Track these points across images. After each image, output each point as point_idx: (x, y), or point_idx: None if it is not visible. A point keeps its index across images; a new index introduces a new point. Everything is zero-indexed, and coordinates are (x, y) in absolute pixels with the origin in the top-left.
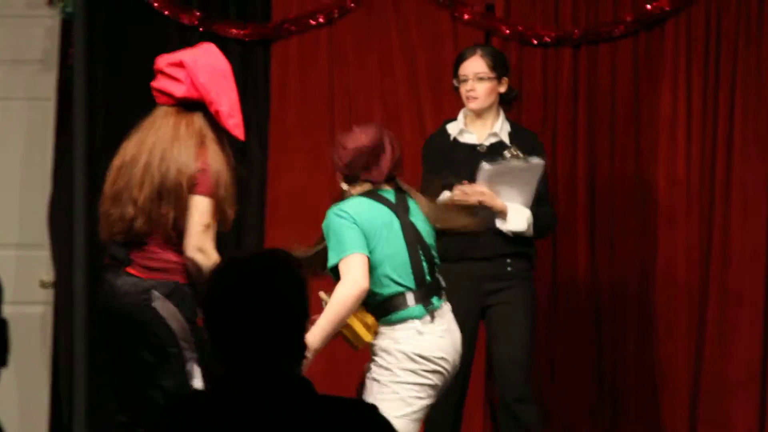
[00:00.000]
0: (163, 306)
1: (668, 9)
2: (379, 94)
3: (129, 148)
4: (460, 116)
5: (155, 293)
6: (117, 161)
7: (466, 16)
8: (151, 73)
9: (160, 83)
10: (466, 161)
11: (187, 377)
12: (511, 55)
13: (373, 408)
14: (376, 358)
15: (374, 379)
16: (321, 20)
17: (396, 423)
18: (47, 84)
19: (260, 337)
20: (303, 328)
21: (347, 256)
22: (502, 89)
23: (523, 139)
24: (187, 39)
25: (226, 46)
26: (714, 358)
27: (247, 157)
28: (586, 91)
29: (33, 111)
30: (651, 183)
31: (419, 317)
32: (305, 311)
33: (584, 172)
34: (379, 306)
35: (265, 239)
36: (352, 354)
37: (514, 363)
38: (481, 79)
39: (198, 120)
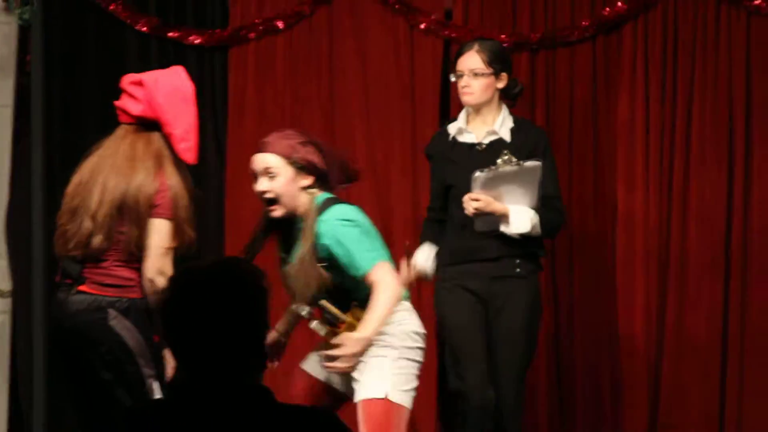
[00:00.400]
0: (119, 323)
1: (625, 14)
2: (334, 101)
3: (88, 165)
4: (461, 115)
5: (111, 311)
6: (76, 178)
7: (422, 25)
8: (110, 80)
9: (121, 101)
10: (465, 161)
11: (147, 394)
12: None
13: (332, 415)
14: (377, 340)
15: (380, 357)
16: (279, 26)
17: (404, 397)
18: (4, 91)
19: (219, 346)
20: (263, 338)
21: (378, 264)
22: (501, 85)
23: (526, 135)
24: (145, 45)
25: (183, 52)
26: (672, 360)
27: (205, 164)
28: (544, 96)
29: None
30: (609, 188)
31: (407, 298)
32: (265, 321)
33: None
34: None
35: (224, 247)
36: None
37: (509, 380)
38: (476, 74)
39: (156, 140)
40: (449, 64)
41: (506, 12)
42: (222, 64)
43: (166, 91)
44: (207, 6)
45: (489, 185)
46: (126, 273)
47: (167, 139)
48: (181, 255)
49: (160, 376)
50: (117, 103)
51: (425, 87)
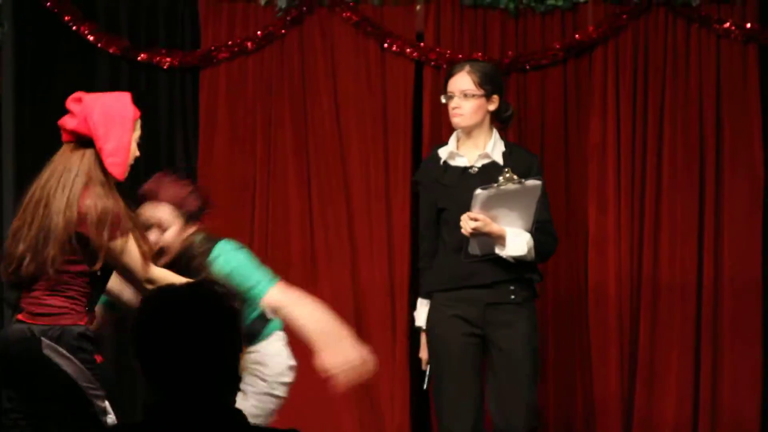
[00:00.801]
0: (54, 353)
1: (596, 37)
2: (307, 121)
3: (32, 187)
4: (452, 139)
5: (45, 341)
6: (23, 199)
7: (394, 47)
8: None
9: (62, 119)
10: (457, 185)
11: (98, 416)
12: (440, 83)
13: None
14: (252, 370)
15: (247, 384)
16: (249, 47)
17: None
18: None
19: (191, 368)
20: (236, 359)
21: (274, 286)
22: (492, 107)
23: (518, 159)
24: (116, 66)
25: (155, 73)
26: (646, 384)
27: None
28: (516, 119)
29: None
30: (581, 210)
31: (282, 329)
32: (238, 342)
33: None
34: (253, 323)
35: None
36: None
37: (519, 412)
38: (467, 96)
39: (92, 157)
40: (421, 86)
41: (477, 35)
42: (193, 85)
43: (103, 110)
44: (178, 27)
45: (488, 205)
46: (54, 301)
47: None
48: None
49: (111, 395)
50: (59, 121)
51: (397, 108)
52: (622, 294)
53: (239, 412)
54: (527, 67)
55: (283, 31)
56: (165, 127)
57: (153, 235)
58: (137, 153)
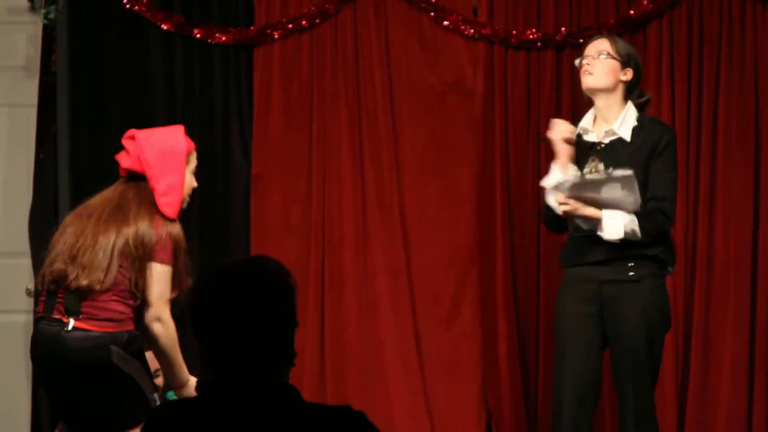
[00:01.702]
0: (121, 360)
1: (650, 12)
2: (360, 99)
3: (89, 208)
4: (589, 113)
5: (113, 348)
6: (72, 219)
7: (447, 23)
8: (135, 80)
9: (118, 155)
10: (584, 160)
11: (150, 408)
12: (493, 59)
13: (361, 415)
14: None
15: None
16: (303, 25)
17: None
18: (29, 91)
19: (248, 344)
20: (291, 336)
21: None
22: (625, 77)
23: (647, 134)
24: (170, 44)
25: (208, 50)
26: (700, 362)
27: (231, 163)
28: (570, 95)
29: (15, 118)
30: None
31: None
32: (293, 318)
33: None
34: None
35: (250, 244)
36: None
37: (629, 382)
38: (601, 56)
39: (148, 190)
40: (476, 62)
41: (531, 10)
42: (247, 62)
43: (156, 148)
44: (232, 4)
45: (579, 191)
46: (121, 308)
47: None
48: (177, 301)
49: (155, 387)
50: (117, 155)
51: (452, 84)
52: (676, 271)
53: (293, 388)
54: (581, 42)
55: (335, 8)
56: (220, 104)
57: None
58: (195, 184)
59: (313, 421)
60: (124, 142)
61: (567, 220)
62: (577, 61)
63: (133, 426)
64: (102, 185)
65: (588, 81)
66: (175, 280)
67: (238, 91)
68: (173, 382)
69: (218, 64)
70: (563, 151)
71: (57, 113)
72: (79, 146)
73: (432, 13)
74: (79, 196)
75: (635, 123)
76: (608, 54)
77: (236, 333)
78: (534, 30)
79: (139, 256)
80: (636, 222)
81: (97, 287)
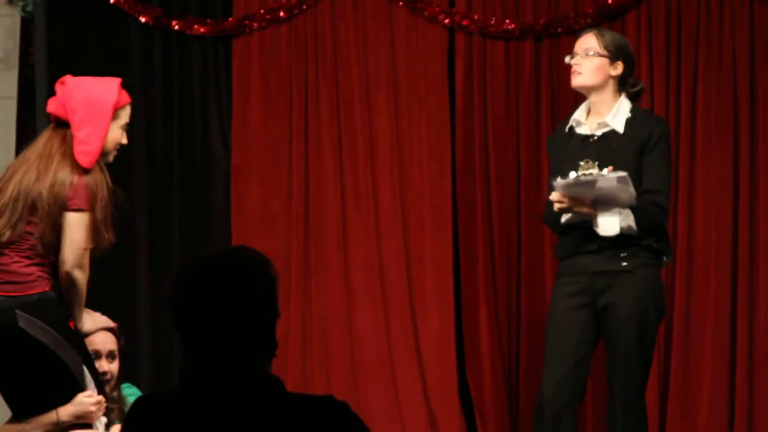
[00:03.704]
0: (29, 325)
1: (628, 1)
2: (337, 91)
3: (13, 163)
4: (583, 106)
5: (19, 313)
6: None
7: (425, 13)
8: (113, 72)
9: (49, 99)
10: (577, 153)
11: (77, 382)
12: (472, 50)
13: (344, 405)
14: None
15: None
16: (282, 16)
17: None
18: (9, 83)
19: (229, 335)
20: (273, 326)
21: None
22: (615, 72)
23: (640, 126)
24: (148, 36)
25: (187, 42)
26: (681, 350)
27: (210, 153)
28: (549, 84)
29: None
30: None
31: None
32: (275, 309)
33: (548, 164)
34: None
35: (230, 235)
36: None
37: (619, 372)
38: (589, 54)
39: (71, 138)
40: (454, 53)
41: (509, 0)
42: (226, 53)
43: (83, 95)
44: None
45: (573, 191)
46: (26, 269)
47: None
48: (98, 253)
49: (86, 360)
50: (48, 101)
51: (429, 75)
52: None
53: (276, 378)
54: (559, 31)
55: None
56: (198, 96)
57: (104, 364)
58: (123, 140)
59: (296, 412)
60: (56, 86)
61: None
62: (567, 59)
63: (51, 406)
64: None
65: (577, 80)
66: (93, 231)
67: (217, 82)
68: (80, 320)
69: (197, 55)
70: (582, 209)
71: (36, 106)
72: None
73: (410, 4)
74: None
75: (629, 115)
76: (595, 52)
77: (218, 324)
78: (512, 20)
79: (51, 208)
80: (631, 217)
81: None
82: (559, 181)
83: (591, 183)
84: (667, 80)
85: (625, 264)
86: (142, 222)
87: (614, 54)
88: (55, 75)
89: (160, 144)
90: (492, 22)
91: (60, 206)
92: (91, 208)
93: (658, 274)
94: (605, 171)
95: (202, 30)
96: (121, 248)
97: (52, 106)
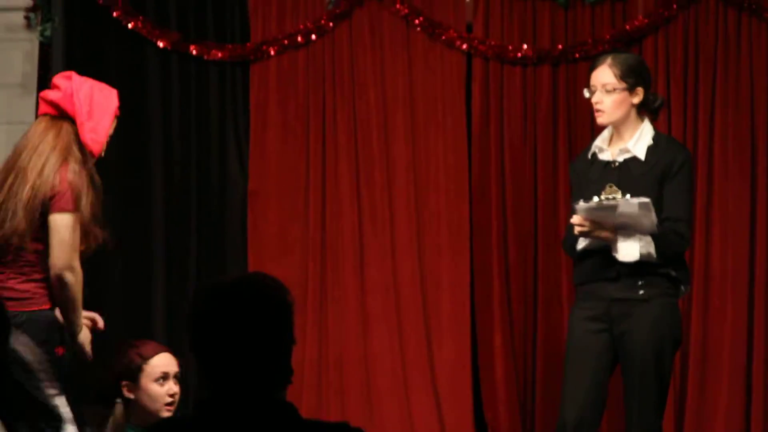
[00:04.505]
0: (15, 339)
1: (646, 27)
2: (355, 117)
3: (7, 160)
4: (605, 132)
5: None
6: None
7: (443, 38)
8: (131, 97)
9: (44, 91)
10: (599, 179)
11: (51, 409)
12: (489, 75)
13: (359, 431)
14: None
15: None
16: (299, 41)
17: None
18: (27, 108)
19: (245, 361)
20: (289, 353)
21: None
22: (636, 100)
23: (662, 154)
24: (166, 61)
25: (205, 67)
26: (697, 376)
27: (228, 179)
28: (566, 109)
29: (12, 135)
30: None
31: None
32: (291, 336)
33: (565, 190)
34: None
35: (247, 260)
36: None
37: (636, 399)
38: (608, 91)
39: (68, 133)
40: (471, 77)
41: (527, 25)
42: (244, 78)
43: (90, 92)
44: (227, 21)
45: (594, 215)
46: (22, 286)
47: (77, 132)
48: (88, 254)
49: (65, 389)
50: (41, 92)
51: (446, 100)
52: None
53: (291, 405)
54: (577, 57)
55: (332, 24)
56: (216, 121)
57: (172, 386)
58: (103, 150)
59: None
60: (57, 79)
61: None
62: (586, 93)
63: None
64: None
65: (602, 119)
66: (82, 231)
67: (234, 107)
68: (72, 328)
69: (214, 80)
70: (604, 235)
71: None
72: None
73: (427, 29)
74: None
75: (650, 142)
76: (614, 87)
77: (234, 350)
78: (529, 45)
79: (43, 206)
80: (652, 244)
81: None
82: (581, 205)
83: (613, 207)
84: (684, 105)
85: (642, 292)
86: (159, 246)
87: (632, 82)
88: None
89: (178, 169)
90: (509, 47)
91: (41, 202)
92: (76, 209)
93: (676, 303)
94: (628, 196)
95: (219, 55)
96: (138, 272)
97: (55, 95)
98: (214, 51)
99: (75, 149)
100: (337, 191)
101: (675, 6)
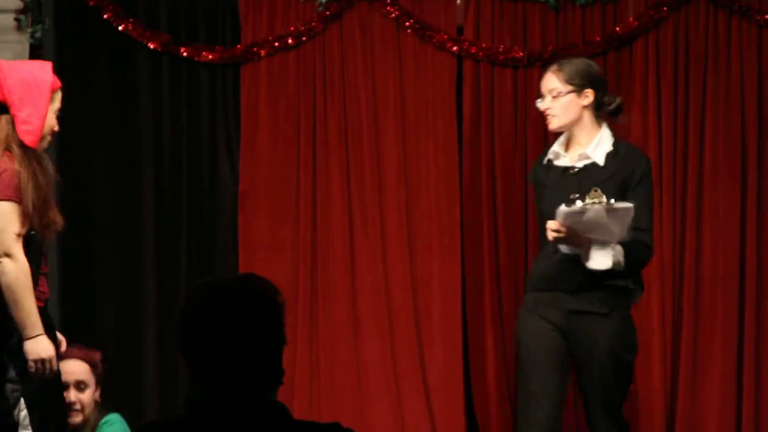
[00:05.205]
0: None
1: (636, 29)
2: (345, 119)
3: None
4: (562, 137)
5: None
6: None
7: (434, 41)
8: (121, 98)
9: None
10: (557, 185)
11: (9, 409)
12: (480, 77)
13: None
14: None
15: None
16: (290, 43)
17: None
18: None
19: (236, 362)
20: (280, 354)
21: None
22: (586, 102)
23: (623, 162)
24: (157, 62)
25: (195, 69)
26: (688, 378)
27: (218, 180)
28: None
29: None
30: None
31: None
32: (282, 336)
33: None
34: None
35: (238, 262)
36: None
37: (598, 406)
38: (555, 96)
39: (3, 123)
40: (462, 80)
41: (517, 28)
42: (234, 80)
43: (20, 77)
44: (218, 23)
45: (572, 220)
46: None
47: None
48: (48, 239)
49: (26, 390)
50: None
51: (437, 102)
52: (665, 287)
53: (282, 406)
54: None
55: (322, 26)
56: (207, 122)
57: (72, 394)
58: (56, 126)
59: None
60: None
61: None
62: (537, 103)
63: None
64: (89, 199)
65: (553, 124)
66: (25, 216)
67: (225, 109)
68: (24, 331)
69: (205, 82)
70: (576, 241)
71: None
72: (66, 165)
73: (418, 32)
74: (67, 207)
75: (610, 148)
76: (559, 92)
77: (225, 351)
78: (520, 48)
79: None
80: (622, 253)
81: None
82: (563, 209)
83: (600, 211)
84: (675, 107)
85: (601, 305)
86: (150, 247)
87: (580, 83)
88: (63, 101)
89: (168, 170)
90: (500, 49)
91: None
92: (18, 197)
93: (631, 314)
94: (612, 200)
95: (210, 57)
96: (129, 273)
97: None
98: (204, 53)
99: (17, 137)
100: (328, 193)
101: (665, 8)
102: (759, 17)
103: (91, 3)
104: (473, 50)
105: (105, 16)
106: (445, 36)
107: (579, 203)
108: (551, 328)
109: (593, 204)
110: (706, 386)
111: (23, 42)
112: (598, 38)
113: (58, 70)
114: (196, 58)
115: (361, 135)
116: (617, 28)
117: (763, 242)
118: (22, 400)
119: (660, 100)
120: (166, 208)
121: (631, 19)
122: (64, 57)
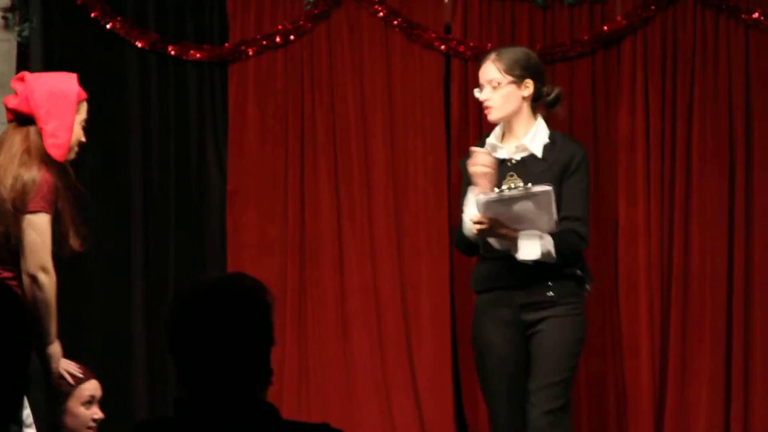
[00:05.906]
0: None
1: (624, 28)
2: (333, 117)
3: None
4: (497, 129)
5: None
6: None
7: (421, 39)
8: (109, 97)
9: (6, 98)
10: (501, 177)
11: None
12: (467, 76)
13: None
14: None
15: None
16: (278, 41)
17: None
18: (3, 108)
19: (224, 362)
20: (268, 353)
21: None
22: (526, 93)
23: (560, 152)
24: (145, 61)
25: (183, 67)
26: (677, 376)
27: (207, 179)
28: (544, 110)
29: None
30: (610, 202)
31: None
32: (271, 336)
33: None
34: None
35: (226, 261)
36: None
37: (541, 408)
38: (494, 87)
39: (32, 135)
40: (450, 78)
41: (505, 26)
42: (222, 79)
43: (45, 89)
44: (206, 21)
45: (495, 209)
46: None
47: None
48: (69, 255)
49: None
50: (3, 99)
51: (425, 100)
52: (652, 286)
53: (271, 405)
54: (555, 58)
55: (310, 24)
56: (194, 121)
57: (96, 410)
58: (82, 137)
59: None
60: (13, 84)
61: (480, 240)
62: (476, 92)
63: None
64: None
65: (493, 116)
66: (57, 231)
67: (213, 107)
68: (47, 337)
69: (193, 81)
70: (485, 184)
71: None
72: None
73: (406, 30)
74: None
75: (547, 140)
76: (499, 83)
77: (213, 351)
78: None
79: (15, 207)
80: (552, 243)
81: None
82: (481, 197)
83: (515, 199)
84: (662, 106)
85: (550, 294)
86: (138, 247)
87: (520, 74)
88: None
89: (156, 169)
90: (488, 48)
91: (23, 204)
92: (53, 209)
93: (583, 303)
94: (530, 184)
95: (198, 55)
96: (117, 273)
97: (13, 102)
98: (192, 51)
99: (44, 150)
100: (316, 192)
101: (653, 7)
102: (746, 17)
103: (79, 1)
104: (461, 49)
105: (93, 15)
106: (433, 35)
107: (496, 190)
108: (502, 333)
109: (509, 189)
110: (695, 385)
111: (11, 40)
112: (586, 37)
113: (45, 69)
114: (183, 57)
115: (349, 134)
116: (605, 27)
117: (751, 241)
118: (25, 399)
119: (648, 99)
120: (154, 207)
121: (619, 18)
122: (52, 56)
